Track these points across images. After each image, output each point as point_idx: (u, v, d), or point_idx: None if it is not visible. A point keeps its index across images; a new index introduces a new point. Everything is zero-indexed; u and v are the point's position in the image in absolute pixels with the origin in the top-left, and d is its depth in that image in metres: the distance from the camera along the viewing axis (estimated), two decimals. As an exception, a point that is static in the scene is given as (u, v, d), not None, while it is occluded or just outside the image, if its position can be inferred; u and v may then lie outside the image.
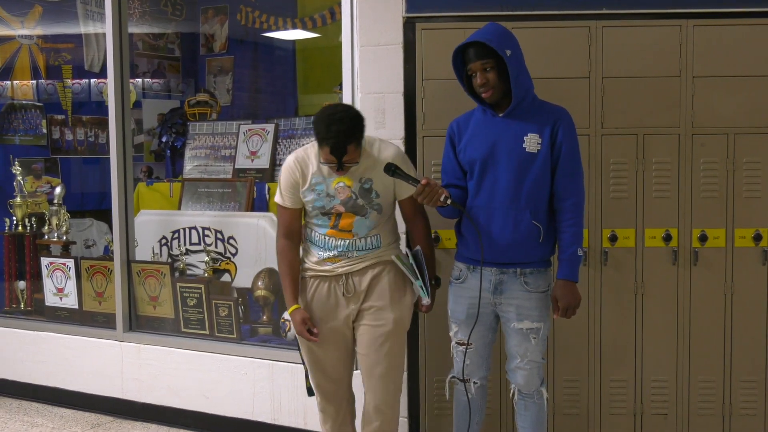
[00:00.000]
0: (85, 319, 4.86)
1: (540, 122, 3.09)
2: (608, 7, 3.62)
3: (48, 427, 4.48)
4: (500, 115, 3.13)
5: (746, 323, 3.64)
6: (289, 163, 3.23)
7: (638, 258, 3.65)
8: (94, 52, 6.24)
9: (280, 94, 6.97)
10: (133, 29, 6.41)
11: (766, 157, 3.60)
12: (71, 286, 4.93)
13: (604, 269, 3.66)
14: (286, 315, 4.18)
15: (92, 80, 6.42)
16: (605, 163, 3.64)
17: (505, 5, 3.64)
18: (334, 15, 5.72)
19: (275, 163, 5.15)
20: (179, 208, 5.36)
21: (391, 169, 3.03)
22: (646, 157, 3.62)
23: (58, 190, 5.31)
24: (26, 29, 6.19)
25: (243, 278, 4.81)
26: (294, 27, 6.30)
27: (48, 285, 5.02)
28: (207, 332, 4.43)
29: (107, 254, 5.25)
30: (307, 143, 3.28)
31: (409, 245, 3.41)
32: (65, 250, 5.18)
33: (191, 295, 4.50)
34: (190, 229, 5.13)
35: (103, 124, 5.39)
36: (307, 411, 3.96)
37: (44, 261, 5.06)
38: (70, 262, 4.94)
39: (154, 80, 6.78)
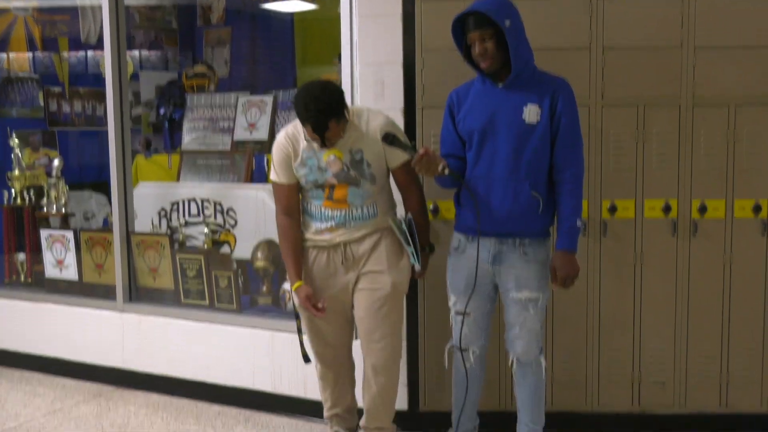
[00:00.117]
0: (85, 290, 4.87)
1: (540, 93, 3.09)
2: (609, -23, 3.60)
3: (50, 396, 4.51)
4: (500, 85, 3.12)
5: (745, 294, 3.66)
6: (279, 139, 3.26)
7: (637, 229, 3.66)
8: (90, 23, 6.20)
9: (278, 65, 6.94)
10: (130, 1, 6.37)
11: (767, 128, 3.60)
12: (71, 258, 4.94)
13: (604, 240, 3.67)
14: (286, 286, 4.20)
15: (89, 52, 6.38)
16: (605, 134, 3.63)
17: (506, -25, 3.62)
18: (333, -14, 5.69)
19: (274, 135, 5.10)
20: (178, 180, 5.37)
21: (389, 139, 3.04)
22: (647, 128, 3.62)
23: (56, 162, 5.30)
24: (21, 1, 6.14)
25: (242, 249, 4.82)
26: (292, -2, 6.27)
27: (48, 257, 5.03)
28: (207, 303, 4.45)
29: (106, 226, 5.26)
30: None
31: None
32: (64, 223, 5.18)
33: (191, 266, 4.51)
34: (189, 200, 5.14)
35: (101, 97, 5.35)
36: (307, 380, 3.99)
37: (43, 233, 5.06)
38: (70, 234, 4.95)
39: (151, 52, 6.74)
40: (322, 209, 3.24)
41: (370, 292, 3.25)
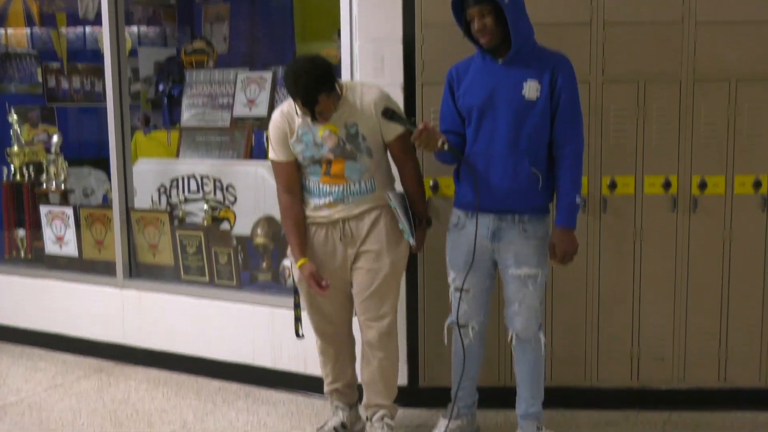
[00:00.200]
0: (85, 266, 4.88)
1: (539, 69, 3.07)
2: (611, -49, 3.57)
3: (51, 372, 4.53)
4: (500, 61, 3.11)
5: (744, 270, 3.66)
6: (275, 118, 3.28)
7: (637, 205, 3.66)
8: (88, -1, 6.17)
9: (277, 41, 6.90)
10: (128, -24, 6.32)
11: (768, 104, 3.59)
12: (71, 234, 4.94)
13: (604, 216, 3.66)
14: (286, 262, 4.21)
15: (87, 28, 6.35)
16: (605, 110, 3.62)
17: (507, -51, 3.59)
18: (332, -40, 5.64)
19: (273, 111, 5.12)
20: (177, 157, 5.36)
21: (389, 114, 3.04)
22: (647, 104, 3.60)
23: (55, 138, 5.28)
24: (18, -24, 6.11)
25: (242, 226, 4.83)
26: (291, -28, 6.23)
27: (47, 233, 5.03)
28: (207, 279, 4.46)
29: (106, 203, 5.26)
30: None
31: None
32: (64, 199, 5.18)
33: (191, 242, 4.51)
34: (189, 177, 5.13)
35: (99, 73, 5.34)
36: (307, 356, 4.00)
37: (43, 209, 5.06)
38: (69, 211, 4.95)
39: (149, 28, 6.70)
40: (320, 185, 3.25)
41: (369, 272, 3.26)
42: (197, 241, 4.49)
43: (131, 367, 4.57)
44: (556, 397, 3.61)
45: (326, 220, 3.27)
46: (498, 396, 3.65)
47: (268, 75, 5.20)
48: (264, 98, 5.17)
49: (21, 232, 5.23)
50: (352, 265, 3.31)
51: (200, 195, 5.03)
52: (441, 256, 3.37)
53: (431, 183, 3.66)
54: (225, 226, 4.94)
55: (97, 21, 5.14)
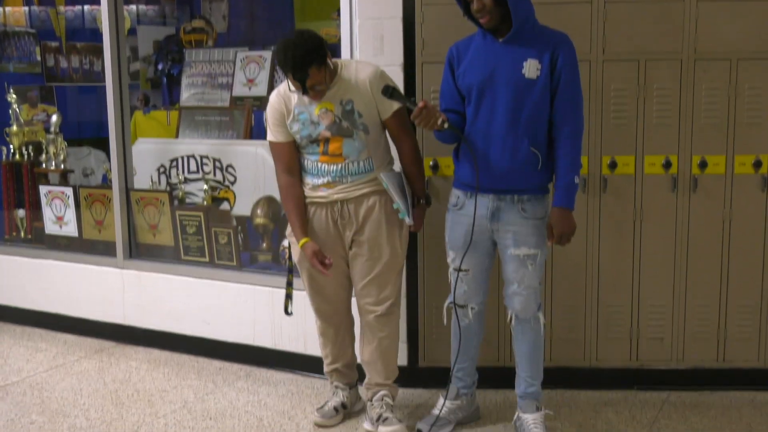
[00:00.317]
0: (85, 247, 4.88)
1: (540, 48, 3.05)
2: (612, -73, 3.54)
3: (52, 352, 4.54)
4: (500, 40, 3.09)
5: (744, 250, 3.66)
6: (272, 99, 3.29)
7: (637, 185, 3.65)
8: (86, -23, 6.13)
9: (277, 20, 6.86)
10: (126, -46, 6.27)
11: (769, 83, 3.57)
12: (70, 214, 4.94)
13: (603, 196, 3.66)
14: (285, 242, 4.20)
15: (86, 6, 6.31)
16: (606, 89, 3.60)
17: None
18: (332, -62, 5.60)
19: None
20: (177, 137, 5.34)
21: (389, 92, 3.03)
22: (648, 83, 3.58)
23: (54, 118, 5.27)
24: (15, -47, 6.07)
25: (242, 206, 4.83)
26: (291, -50, 6.18)
27: (47, 213, 5.03)
28: (207, 260, 4.46)
29: (105, 183, 5.25)
30: None
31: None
32: (63, 179, 5.17)
33: (190, 223, 4.51)
34: (189, 157, 5.12)
35: (98, 52, 5.31)
36: (308, 336, 4.01)
37: (42, 189, 5.05)
38: (69, 191, 4.94)
39: (148, 6, 6.66)
40: (319, 164, 3.24)
41: (368, 260, 3.27)
42: (197, 221, 4.49)
43: (132, 347, 4.59)
44: (556, 377, 3.62)
45: (324, 201, 3.27)
46: (497, 376, 3.66)
47: (267, 54, 5.17)
48: (263, 78, 5.15)
49: (21, 213, 5.23)
50: (351, 251, 3.31)
51: (200, 175, 5.02)
52: (441, 237, 3.37)
53: (431, 163, 3.65)
54: (225, 206, 4.94)
55: None
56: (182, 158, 5.13)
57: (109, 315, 4.67)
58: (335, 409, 3.52)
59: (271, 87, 5.05)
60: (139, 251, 4.68)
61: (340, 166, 3.22)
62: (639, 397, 3.73)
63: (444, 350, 3.56)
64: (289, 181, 3.31)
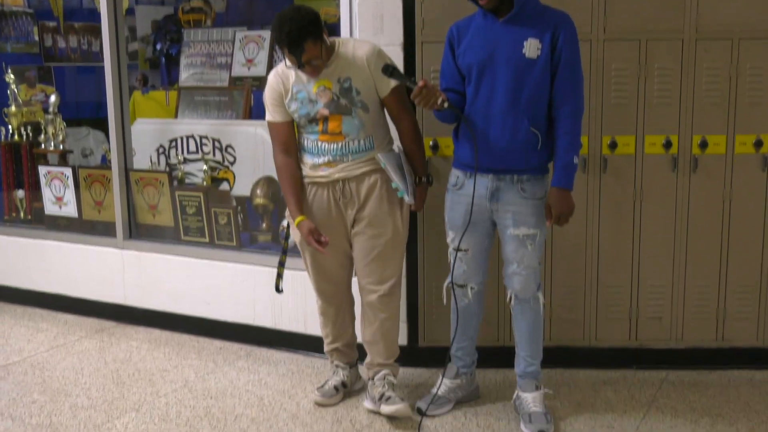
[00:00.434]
0: (85, 227, 4.88)
1: (540, 28, 3.04)
2: None
3: (53, 332, 4.56)
4: (501, 20, 3.07)
5: (744, 230, 3.67)
6: (270, 79, 3.29)
7: (638, 165, 3.65)
8: (83, -44, 6.09)
9: (276, 0, 6.82)
10: (124, -68, 6.23)
11: (770, 62, 3.55)
12: (70, 195, 4.93)
13: (604, 176, 3.65)
14: (285, 222, 4.20)
15: (83, -15, 6.28)
16: (607, 69, 3.59)
17: None
18: None
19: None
20: (176, 117, 5.32)
21: (389, 71, 3.02)
22: (648, 62, 3.57)
23: (52, 98, 5.25)
24: (13, -68, 6.02)
25: (241, 186, 4.82)
26: (290, -72, 6.11)
27: (47, 194, 5.02)
28: (207, 240, 4.46)
29: (105, 163, 5.24)
30: None
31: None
32: (62, 159, 5.16)
33: (190, 203, 4.51)
34: (188, 137, 5.11)
35: (96, 32, 5.28)
36: (308, 316, 4.02)
37: (42, 170, 5.04)
38: (68, 171, 4.94)
39: (146, -14, 6.63)
40: (319, 143, 3.24)
41: (371, 238, 3.27)
42: (197, 201, 4.49)
43: (132, 327, 4.60)
44: (555, 357, 3.63)
45: (326, 180, 3.27)
46: (497, 356, 3.68)
47: (266, 34, 5.14)
48: (262, 58, 5.13)
49: (20, 193, 5.23)
50: (352, 230, 3.31)
51: (199, 155, 5.01)
52: (441, 217, 3.36)
53: (431, 143, 3.65)
54: (224, 186, 4.93)
55: (93, -21, 5.10)
56: (181, 138, 5.12)
57: (110, 295, 4.68)
58: (335, 388, 3.53)
59: (270, 67, 5.03)
60: (138, 232, 4.68)
61: (340, 144, 3.22)
62: (638, 377, 3.74)
63: (444, 330, 3.57)
64: (285, 160, 3.31)
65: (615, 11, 3.53)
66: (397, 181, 3.20)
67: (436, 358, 3.62)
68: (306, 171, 3.31)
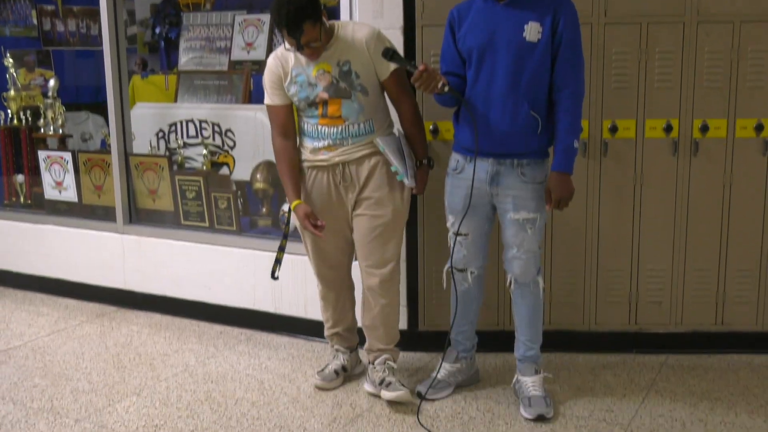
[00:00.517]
0: (84, 212, 4.88)
1: (541, 11, 3.02)
2: None
3: (53, 316, 4.56)
4: (501, 3, 3.06)
5: (744, 214, 3.66)
6: (270, 62, 3.29)
7: (638, 149, 3.64)
8: (82, -61, 6.05)
9: (275, -17, 6.78)
10: None
11: (772, 45, 3.54)
12: (69, 179, 4.93)
13: (604, 160, 3.65)
14: (285, 207, 4.20)
15: (82, -31, 6.24)
16: (607, 52, 3.57)
17: None
18: None
19: (272, 54, 5.06)
20: (175, 101, 5.31)
21: (389, 54, 3.01)
22: (650, 46, 3.56)
23: (51, 82, 5.24)
24: None
25: (241, 171, 4.81)
26: None
27: (46, 178, 5.02)
28: (207, 225, 4.46)
29: (104, 148, 5.23)
30: None
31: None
32: (62, 144, 5.15)
33: (190, 188, 4.50)
34: (187, 122, 5.10)
35: (95, 15, 5.26)
36: (308, 301, 4.03)
37: (41, 154, 5.04)
38: (68, 156, 4.93)
39: (145, -31, 6.60)
40: (319, 127, 3.24)
41: (371, 219, 3.27)
42: (197, 186, 4.48)
43: (133, 311, 4.61)
44: (555, 341, 3.64)
45: (326, 164, 3.26)
46: (497, 340, 3.69)
47: (266, 17, 5.12)
48: (262, 41, 5.11)
49: (20, 178, 5.22)
50: (353, 212, 3.31)
51: (199, 140, 5.00)
52: (441, 201, 3.36)
53: (431, 127, 3.64)
54: (224, 171, 4.93)
55: (91, -39, 5.07)
56: (181, 123, 5.11)
57: (110, 280, 4.69)
58: (336, 372, 3.54)
59: (269, 51, 5.01)
60: (138, 216, 4.68)
61: (340, 128, 3.21)
62: (637, 360, 3.75)
63: (444, 314, 3.57)
64: (283, 144, 3.31)
65: (616, -6, 3.52)
66: (396, 165, 3.19)
67: (436, 342, 3.62)
68: (306, 155, 3.30)
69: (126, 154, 4.62)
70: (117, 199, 4.63)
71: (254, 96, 5.07)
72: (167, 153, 4.97)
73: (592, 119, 3.60)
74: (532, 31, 3.01)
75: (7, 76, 5.29)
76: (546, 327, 3.45)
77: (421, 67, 2.95)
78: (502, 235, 3.25)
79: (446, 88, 3.00)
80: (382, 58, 3.05)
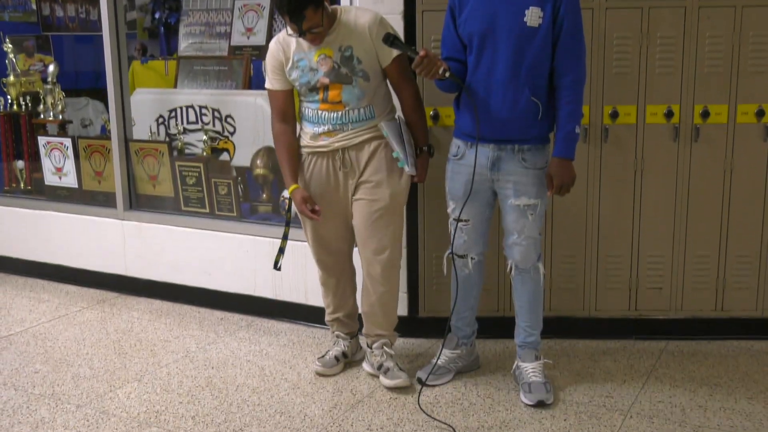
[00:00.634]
0: (85, 198, 4.88)
1: (543, -4, 3.01)
2: None
3: (54, 302, 4.57)
4: (502, -13, 3.04)
5: (744, 200, 3.66)
6: (271, 46, 3.28)
7: (639, 135, 3.63)
8: (81, -77, 6.01)
9: (275, -33, 6.75)
10: None
11: (774, 30, 3.52)
12: (70, 165, 4.92)
13: (605, 146, 3.64)
14: (286, 193, 4.20)
15: (81, -47, 6.20)
16: (608, 37, 3.56)
17: None
18: None
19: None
20: (175, 87, 5.29)
21: (390, 40, 3.00)
22: (651, 31, 3.54)
23: (51, 68, 5.22)
24: None
25: (241, 157, 4.80)
26: None
27: (47, 164, 5.01)
28: (207, 211, 4.46)
29: (104, 133, 5.22)
30: None
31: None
32: (62, 130, 5.14)
33: (190, 173, 4.50)
34: (187, 107, 5.08)
35: (95, 0, 5.23)
36: (308, 287, 4.03)
37: (41, 140, 5.03)
38: (68, 142, 4.92)
39: (144, -47, 6.55)
40: (319, 112, 3.23)
41: (369, 203, 3.26)
42: (197, 172, 4.48)
43: (133, 298, 4.61)
44: (555, 327, 3.65)
45: (326, 150, 3.26)
46: (497, 326, 3.69)
47: (266, 2, 5.09)
48: (262, 27, 5.08)
49: (20, 164, 5.22)
50: (353, 197, 3.30)
51: (199, 126, 4.98)
52: (442, 187, 3.36)
53: (432, 113, 3.63)
54: (224, 157, 4.92)
55: (90, -54, 5.04)
56: (181, 109, 5.09)
57: (111, 266, 4.69)
58: (336, 358, 3.55)
59: (269, 36, 4.99)
60: (139, 202, 4.68)
61: (340, 113, 3.20)
62: (637, 346, 3.76)
63: (444, 300, 3.58)
64: (282, 128, 3.31)
65: (617, -21, 3.50)
66: (398, 150, 3.18)
67: (437, 328, 3.63)
68: (306, 140, 3.30)
69: (126, 139, 4.61)
70: (117, 185, 4.63)
71: (254, 81, 5.05)
72: (167, 139, 4.96)
73: (592, 105, 3.59)
74: (533, 16, 3.00)
75: (7, 61, 5.28)
76: (546, 313, 3.45)
77: (421, 53, 2.94)
78: (502, 221, 3.25)
79: (447, 74, 2.99)
80: (385, 45, 3.04)
